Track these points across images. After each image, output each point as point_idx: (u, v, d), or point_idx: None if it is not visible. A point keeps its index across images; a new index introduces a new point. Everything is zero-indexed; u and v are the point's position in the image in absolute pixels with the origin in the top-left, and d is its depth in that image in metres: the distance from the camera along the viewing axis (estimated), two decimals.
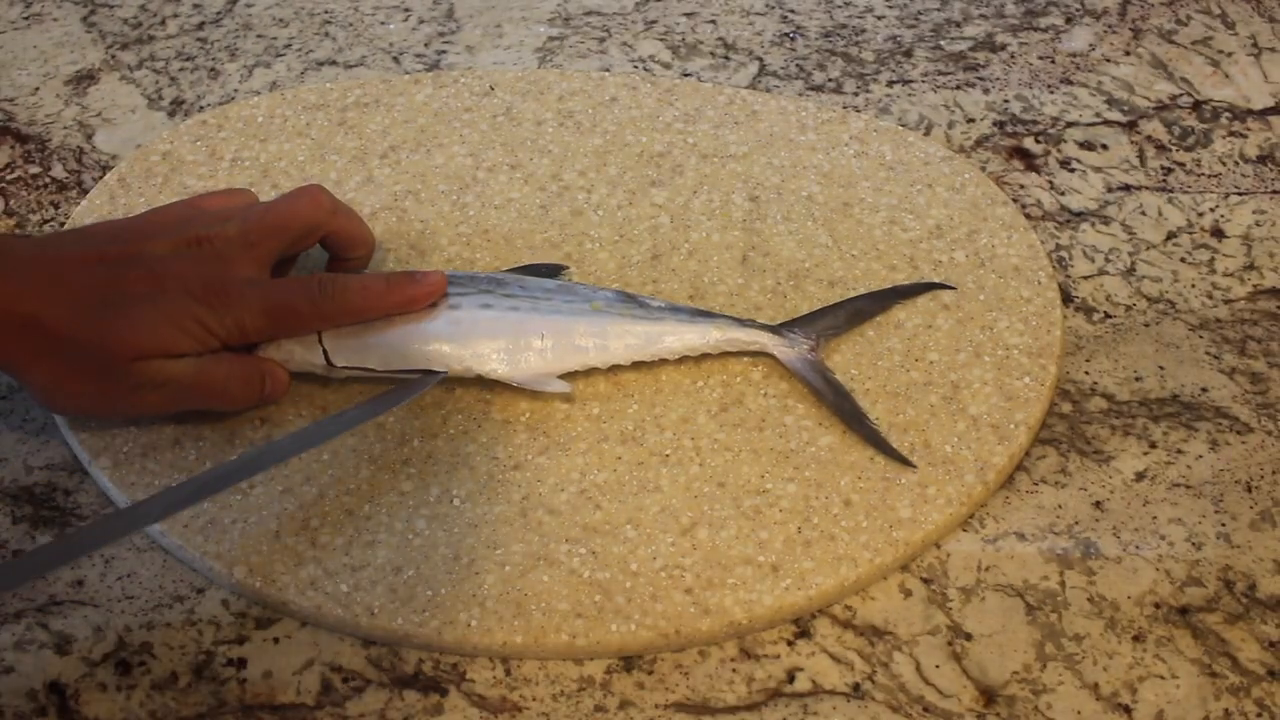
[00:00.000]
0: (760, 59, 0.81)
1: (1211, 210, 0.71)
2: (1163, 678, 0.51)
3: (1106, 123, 0.76)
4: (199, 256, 0.55)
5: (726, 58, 0.81)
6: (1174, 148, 0.75)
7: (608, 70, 0.79)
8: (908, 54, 0.81)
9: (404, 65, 0.80)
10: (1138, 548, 0.55)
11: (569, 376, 0.59)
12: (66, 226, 0.68)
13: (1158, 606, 0.53)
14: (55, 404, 0.56)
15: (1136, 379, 0.62)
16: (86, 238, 0.57)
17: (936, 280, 0.64)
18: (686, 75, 0.79)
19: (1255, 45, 0.82)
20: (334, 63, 0.80)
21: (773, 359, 0.60)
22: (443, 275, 0.59)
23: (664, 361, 0.60)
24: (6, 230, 0.69)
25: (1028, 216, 0.70)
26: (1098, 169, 0.73)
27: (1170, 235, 0.69)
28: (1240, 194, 0.72)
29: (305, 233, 0.59)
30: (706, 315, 0.60)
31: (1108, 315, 0.65)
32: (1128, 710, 0.50)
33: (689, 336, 0.59)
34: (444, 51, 0.81)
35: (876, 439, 0.57)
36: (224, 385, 0.56)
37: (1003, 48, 0.82)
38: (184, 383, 0.54)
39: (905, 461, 0.57)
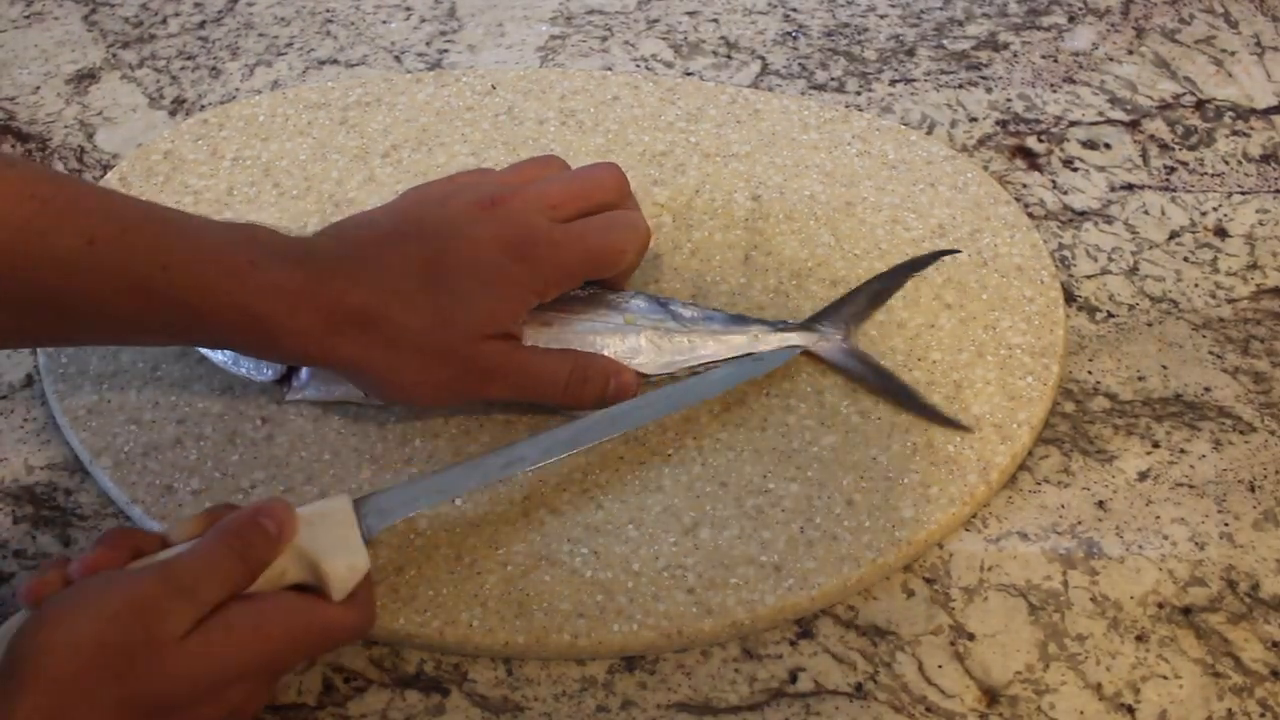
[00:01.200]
0: (762, 58, 0.81)
1: (1215, 209, 0.71)
2: (1166, 678, 0.51)
3: (1109, 122, 0.76)
4: (501, 217, 0.54)
5: (729, 57, 0.81)
6: (1177, 147, 0.75)
7: (610, 69, 0.79)
8: (910, 53, 0.81)
9: (406, 64, 0.80)
10: (1141, 547, 0.55)
11: None
12: None
13: (1161, 606, 0.53)
14: (401, 395, 0.55)
15: (1139, 378, 0.62)
16: (373, 223, 0.55)
17: (943, 248, 0.65)
18: (689, 74, 0.79)
19: (1258, 44, 0.82)
20: (335, 61, 0.80)
21: (810, 356, 0.60)
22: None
23: None
24: None
25: (1030, 216, 0.70)
26: (1101, 168, 0.73)
27: (1173, 234, 0.69)
28: (1243, 193, 0.72)
29: (604, 206, 0.58)
30: (740, 321, 0.60)
31: (1110, 315, 0.65)
32: (1131, 710, 0.50)
33: (722, 348, 0.59)
34: (446, 50, 0.81)
35: (931, 412, 0.58)
36: (567, 386, 0.56)
37: (1005, 46, 0.82)
38: (528, 374, 0.55)
39: (962, 426, 0.57)
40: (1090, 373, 0.62)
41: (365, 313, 0.51)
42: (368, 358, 0.52)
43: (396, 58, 0.81)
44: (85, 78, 0.79)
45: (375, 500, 0.49)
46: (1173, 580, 0.54)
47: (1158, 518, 0.56)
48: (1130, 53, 0.81)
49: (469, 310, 0.53)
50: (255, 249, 0.51)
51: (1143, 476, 0.58)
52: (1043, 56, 0.81)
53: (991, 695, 0.50)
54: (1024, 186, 0.72)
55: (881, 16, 0.84)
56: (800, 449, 0.57)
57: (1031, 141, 0.75)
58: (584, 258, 0.56)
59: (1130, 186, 0.72)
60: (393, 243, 0.53)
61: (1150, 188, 0.72)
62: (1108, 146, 0.75)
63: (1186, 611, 0.53)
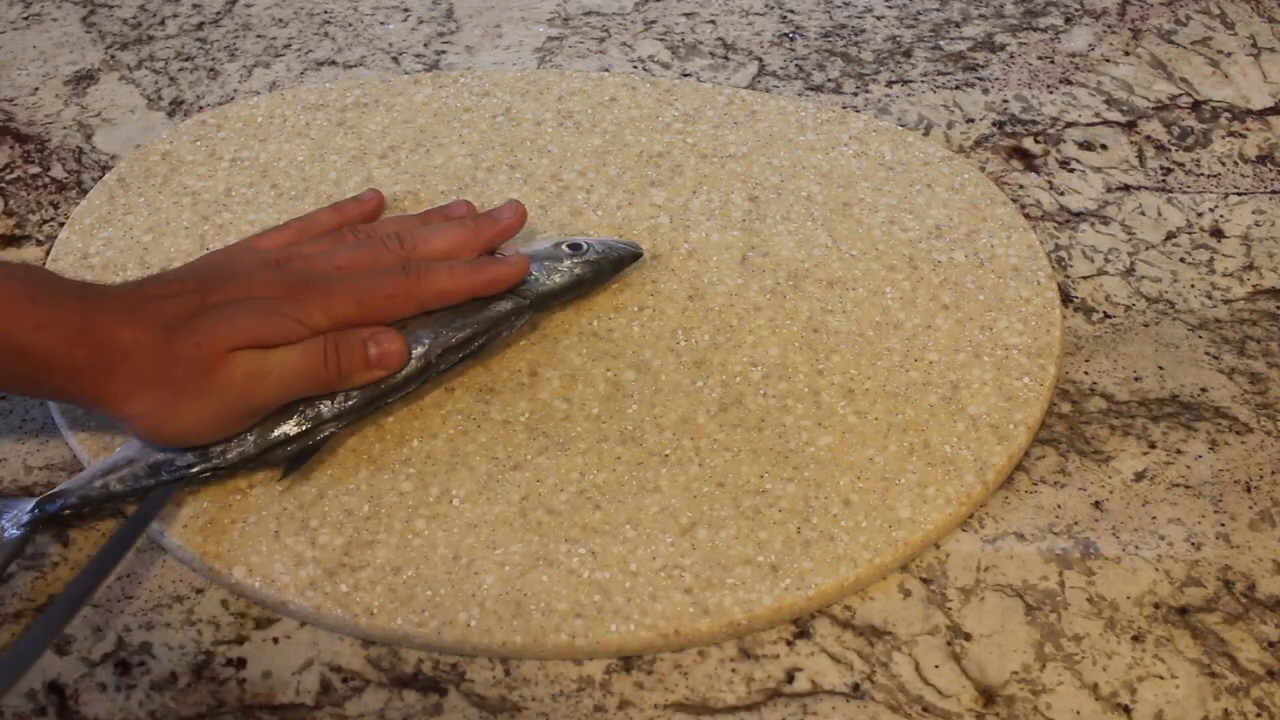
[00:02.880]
0: (760, 59, 0.81)
1: (1211, 210, 0.71)
2: (1162, 678, 0.51)
3: (1106, 123, 0.76)
4: (282, 270, 0.57)
5: (726, 58, 0.81)
6: (1173, 148, 0.75)
7: (607, 70, 0.79)
8: (907, 54, 0.81)
9: (403, 65, 0.80)
10: (1137, 548, 0.55)
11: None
12: (65, 227, 0.68)
13: (1157, 607, 0.53)
14: (164, 430, 0.54)
15: (1136, 379, 0.62)
16: (159, 278, 0.57)
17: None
18: (686, 75, 0.79)
19: (1254, 45, 0.82)
20: (333, 63, 0.81)
21: None
22: (525, 259, 0.60)
23: (664, 362, 0.60)
24: (6, 230, 0.69)
25: (1027, 216, 0.70)
26: (1097, 169, 0.73)
27: (1170, 235, 0.69)
28: (1239, 194, 0.72)
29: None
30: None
31: (1107, 315, 0.65)
32: (1127, 710, 0.50)
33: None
34: (443, 52, 0.81)
35: None
36: (325, 362, 0.55)
37: (1002, 48, 0.82)
38: (288, 366, 0.54)
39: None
40: (1087, 373, 0.62)
41: (136, 349, 0.51)
42: (127, 395, 0.52)
43: (394, 59, 0.81)
44: (84, 79, 0.79)
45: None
46: (1169, 580, 0.54)
47: (1154, 518, 0.56)
48: (1127, 54, 0.81)
49: (220, 325, 0.53)
50: (35, 285, 0.51)
51: (1139, 477, 0.58)
52: (1039, 58, 0.81)
53: (988, 695, 0.50)
54: (1020, 187, 0.72)
55: (878, 18, 0.84)
56: (797, 449, 0.57)
57: (1028, 142, 0.75)
58: (357, 300, 0.56)
59: (1127, 187, 0.72)
60: (171, 294, 0.54)
61: (1147, 189, 0.72)
62: (1104, 147, 0.75)
63: (1183, 612, 0.53)
